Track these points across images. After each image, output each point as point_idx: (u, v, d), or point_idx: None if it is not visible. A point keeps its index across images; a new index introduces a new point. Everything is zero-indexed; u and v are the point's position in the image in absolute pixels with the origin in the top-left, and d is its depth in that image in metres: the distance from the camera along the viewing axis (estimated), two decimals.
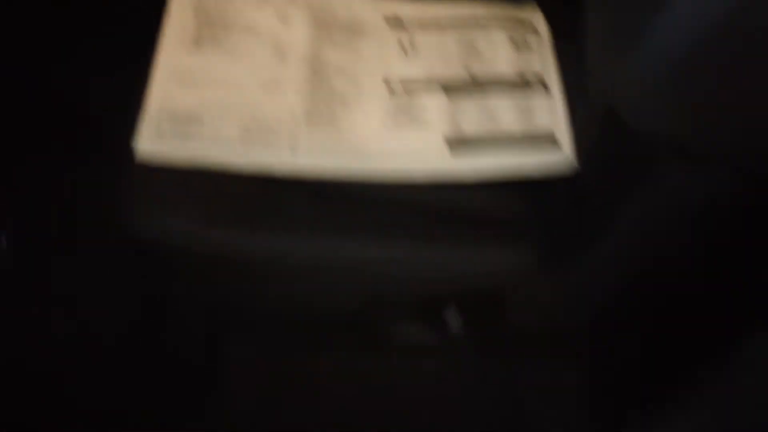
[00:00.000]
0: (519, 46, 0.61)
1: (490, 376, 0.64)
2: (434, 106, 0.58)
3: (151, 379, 0.61)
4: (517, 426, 0.60)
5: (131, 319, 0.62)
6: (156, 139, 0.55)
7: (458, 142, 0.56)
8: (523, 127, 0.56)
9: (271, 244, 0.54)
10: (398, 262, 0.54)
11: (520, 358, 0.63)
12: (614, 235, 0.48)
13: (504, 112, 0.57)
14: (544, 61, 0.59)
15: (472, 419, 0.62)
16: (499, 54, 0.60)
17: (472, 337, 0.59)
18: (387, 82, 0.59)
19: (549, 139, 0.55)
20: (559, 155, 0.54)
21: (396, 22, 0.62)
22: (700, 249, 0.47)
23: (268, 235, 0.54)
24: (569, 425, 0.57)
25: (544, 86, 0.58)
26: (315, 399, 0.65)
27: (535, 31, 0.62)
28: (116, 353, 0.60)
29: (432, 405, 0.63)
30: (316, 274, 0.56)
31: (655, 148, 0.42)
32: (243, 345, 0.67)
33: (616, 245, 0.49)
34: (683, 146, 0.40)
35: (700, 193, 0.43)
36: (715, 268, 0.47)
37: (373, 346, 0.62)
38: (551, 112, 0.56)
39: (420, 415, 0.63)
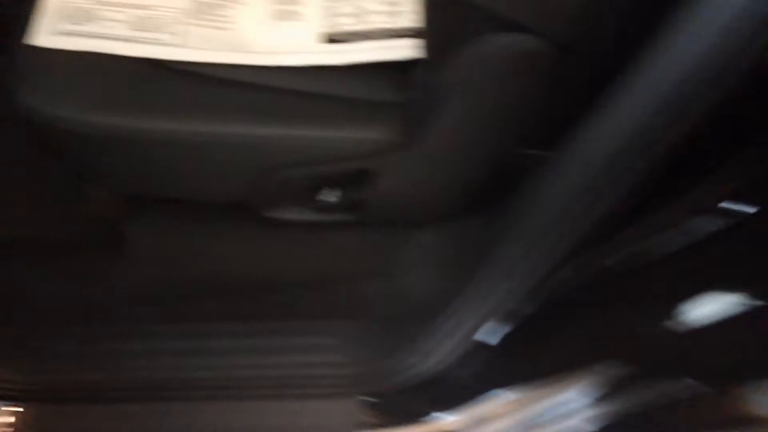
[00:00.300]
0: None
1: (364, 242, 0.73)
2: (313, 3, 0.64)
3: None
4: (389, 283, 0.70)
5: (33, 198, 0.67)
6: (50, 34, 0.60)
7: (333, 37, 0.63)
8: (390, 23, 0.63)
9: (156, 126, 0.60)
10: (277, 143, 0.61)
11: (388, 224, 0.72)
12: (455, 107, 0.57)
13: (374, 9, 0.64)
14: None
15: (352, 279, 0.71)
16: None
17: (345, 209, 0.68)
18: None
19: (410, 32, 0.63)
20: (417, 45, 0.62)
21: None
22: (523, 112, 0.57)
23: (152, 117, 0.59)
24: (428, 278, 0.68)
25: None
26: (212, 271, 0.73)
27: None
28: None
29: (313, 272, 0.72)
30: (200, 155, 0.62)
31: (483, 23, 0.50)
32: (137, 222, 0.73)
33: (456, 117, 0.57)
34: (502, 16, 0.49)
35: (519, 63, 0.52)
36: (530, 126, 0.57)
37: (260, 223, 0.70)
38: (413, 9, 0.64)
39: (306, 281, 0.72)
